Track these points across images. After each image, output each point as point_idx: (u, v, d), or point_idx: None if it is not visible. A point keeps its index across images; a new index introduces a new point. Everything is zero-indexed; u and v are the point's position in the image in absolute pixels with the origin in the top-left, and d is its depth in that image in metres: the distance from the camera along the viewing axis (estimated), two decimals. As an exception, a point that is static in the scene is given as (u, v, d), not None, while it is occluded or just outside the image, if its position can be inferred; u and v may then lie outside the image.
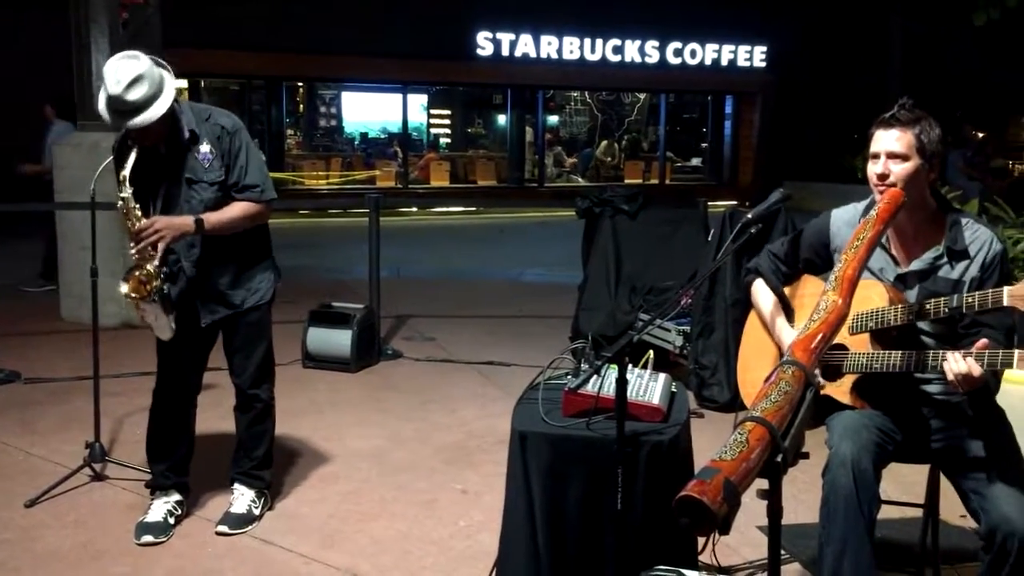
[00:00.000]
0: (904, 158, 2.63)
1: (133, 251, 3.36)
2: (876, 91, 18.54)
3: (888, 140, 2.66)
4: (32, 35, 14.19)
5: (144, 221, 3.34)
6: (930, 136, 2.64)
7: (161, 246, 3.33)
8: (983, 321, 2.63)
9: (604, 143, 23.62)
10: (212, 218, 3.44)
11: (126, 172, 3.34)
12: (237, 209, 3.51)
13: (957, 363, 2.43)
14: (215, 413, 4.84)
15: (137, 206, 3.37)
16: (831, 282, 2.31)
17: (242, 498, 3.77)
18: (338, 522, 3.81)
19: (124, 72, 3.21)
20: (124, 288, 3.35)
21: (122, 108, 3.24)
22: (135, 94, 3.22)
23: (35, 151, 8.91)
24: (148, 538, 3.56)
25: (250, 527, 3.69)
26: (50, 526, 3.71)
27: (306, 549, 3.55)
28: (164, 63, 3.39)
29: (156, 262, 3.36)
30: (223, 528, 3.66)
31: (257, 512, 3.77)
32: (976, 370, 2.40)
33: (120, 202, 3.36)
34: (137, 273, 3.36)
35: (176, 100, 3.41)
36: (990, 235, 2.71)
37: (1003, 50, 18.99)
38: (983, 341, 2.45)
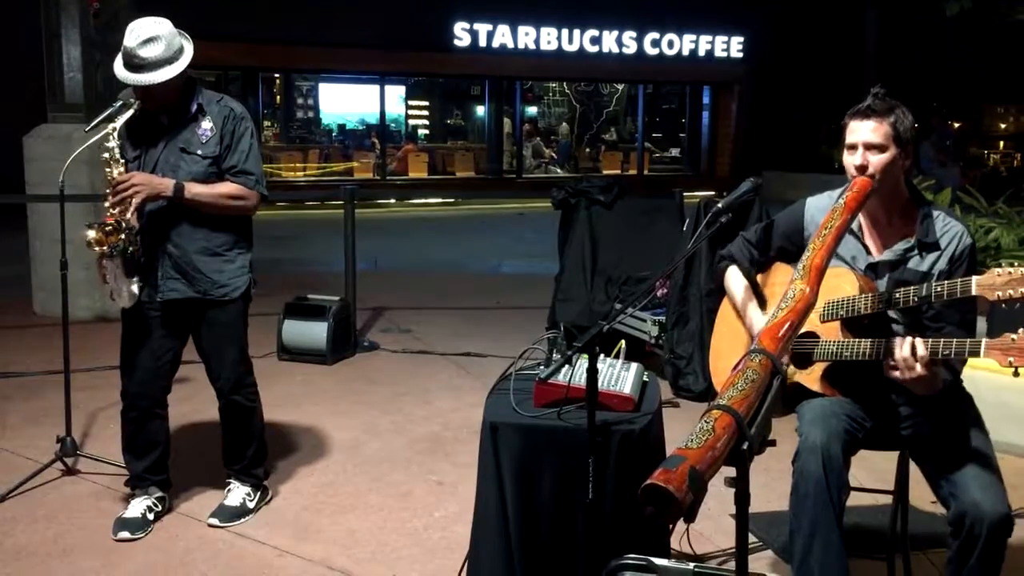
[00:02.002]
0: (882, 148, 2.65)
1: (108, 203, 3.35)
2: (852, 81, 18.63)
3: (865, 131, 2.67)
4: (2, 26, 14.01)
5: (123, 174, 3.35)
6: (904, 124, 2.67)
7: (136, 200, 3.32)
8: (944, 315, 2.66)
9: (564, 127, 23.53)
10: (195, 188, 3.42)
11: (117, 124, 3.37)
12: (225, 188, 3.49)
13: (901, 348, 2.46)
14: (190, 407, 4.84)
15: (122, 160, 3.38)
16: (799, 270, 2.32)
17: (236, 491, 3.76)
18: (313, 514, 3.80)
19: (143, 30, 3.32)
20: (90, 234, 3.32)
21: (132, 62, 3.31)
22: (148, 51, 3.30)
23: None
24: (125, 534, 3.53)
25: (243, 520, 3.68)
26: (21, 521, 3.68)
27: (280, 541, 3.53)
28: (187, 36, 3.46)
29: (128, 216, 3.35)
30: (214, 521, 3.65)
31: (251, 505, 3.75)
32: (920, 350, 2.43)
33: (106, 153, 3.36)
34: (107, 224, 3.34)
35: (196, 81, 3.51)
36: (961, 229, 2.73)
37: (977, 39, 19.13)
38: None
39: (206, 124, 3.49)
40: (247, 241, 3.69)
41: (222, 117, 3.51)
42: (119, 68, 3.37)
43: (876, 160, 2.65)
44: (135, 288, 3.43)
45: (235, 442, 3.80)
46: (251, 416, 3.78)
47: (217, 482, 3.87)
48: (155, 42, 3.31)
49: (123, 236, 3.35)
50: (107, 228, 3.33)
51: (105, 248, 3.33)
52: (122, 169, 3.38)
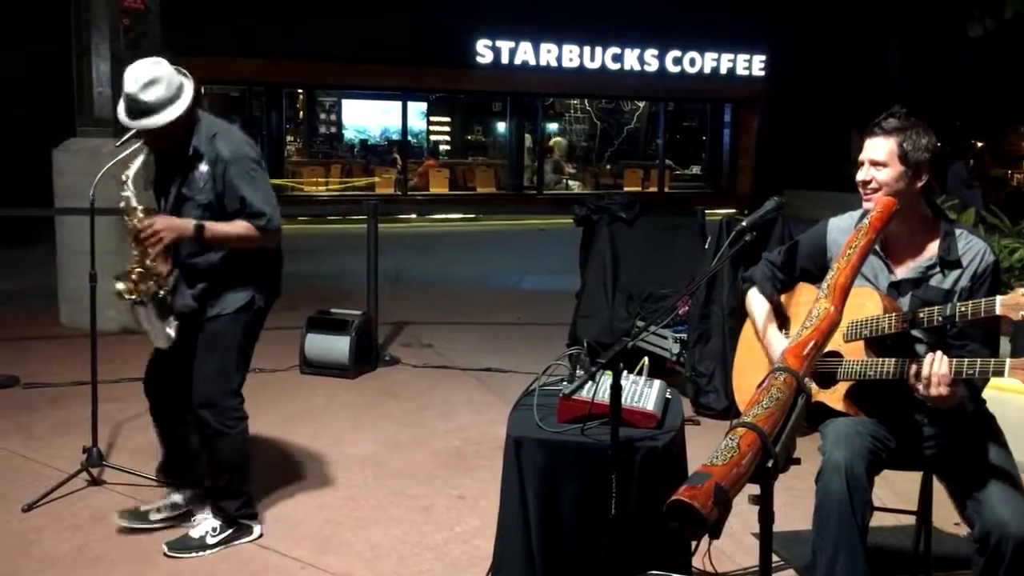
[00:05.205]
0: (884, 165, 2.68)
1: (135, 252, 3.39)
2: (874, 100, 18.58)
3: (870, 148, 2.72)
4: (33, 42, 14.22)
5: (144, 221, 3.36)
6: (916, 144, 2.67)
7: (159, 247, 3.34)
8: (969, 333, 2.66)
9: (558, 140, 23.37)
10: (214, 227, 3.40)
11: (130, 173, 3.39)
12: (240, 227, 3.43)
13: (928, 365, 2.47)
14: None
15: (139, 208, 3.39)
16: (823, 290, 2.33)
17: (204, 523, 3.62)
18: (335, 527, 3.82)
19: (143, 73, 3.30)
20: (119, 286, 3.37)
21: (135, 107, 3.30)
22: (149, 95, 3.28)
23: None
24: (123, 523, 3.66)
25: (193, 555, 3.50)
26: (47, 530, 3.72)
27: (302, 554, 3.55)
28: (186, 73, 3.43)
29: (161, 267, 3.39)
30: (164, 548, 3.52)
31: (212, 542, 3.54)
32: (943, 368, 2.43)
33: (122, 203, 3.39)
34: (134, 273, 3.38)
35: (198, 113, 3.46)
36: (984, 246, 2.74)
37: (1001, 60, 19.05)
38: None
39: (203, 167, 3.44)
40: (258, 262, 3.59)
41: (211, 160, 3.43)
42: (122, 115, 3.35)
43: (880, 176, 2.68)
44: (171, 330, 3.46)
45: (208, 465, 3.64)
46: (221, 441, 3.54)
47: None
48: (156, 84, 3.29)
49: (152, 282, 3.38)
50: (134, 277, 3.37)
51: (135, 297, 3.37)
52: (141, 216, 3.38)
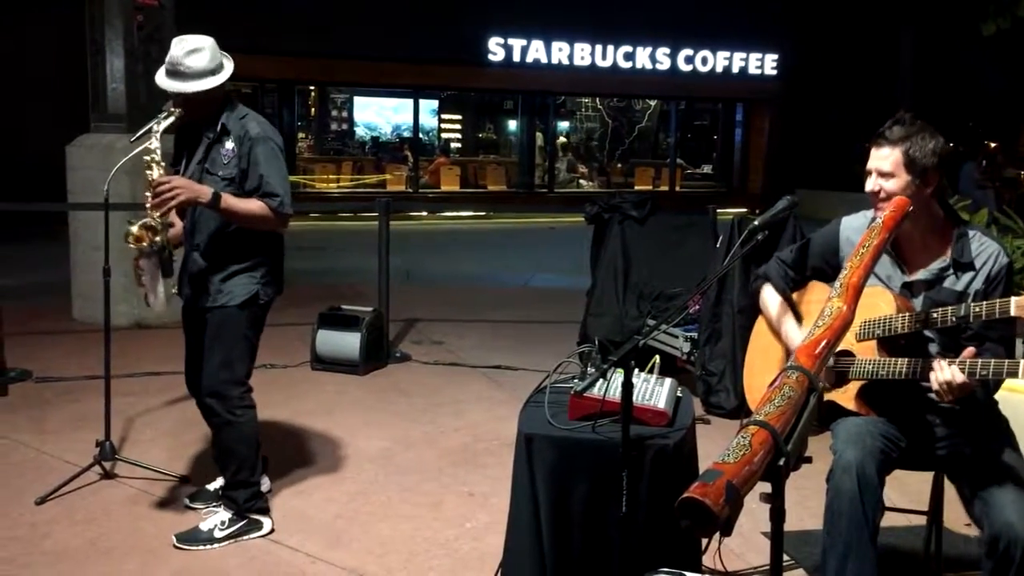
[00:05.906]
0: (892, 176, 2.67)
1: (149, 203, 3.42)
2: (886, 99, 18.51)
3: (877, 158, 2.71)
4: (47, 38, 14.29)
5: (164, 176, 3.43)
6: (922, 149, 2.66)
7: (173, 203, 3.37)
8: (986, 333, 2.66)
9: (561, 142, 23.26)
10: (230, 199, 3.45)
11: (159, 128, 3.49)
12: (255, 205, 3.51)
13: (942, 371, 2.46)
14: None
15: (162, 163, 3.47)
16: (836, 289, 2.33)
17: (215, 516, 3.67)
18: (345, 522, 3.83)
19: (190, 42, 3.47)
20: (132, 229, 3.42)
21: (175, 71, 3.43)
22: (192, 61, 3.43)
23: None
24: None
25: (201, 547, 3.54)
26: (60, 523, 3.74)
27: (313, 549, 3.57)
28: (228, 56, 3.59)
29: (169, 218, 3.46)
30: (173, 539, 3.58)
31: (219, 535, 3.58)
32: (958, 377, 2.43)
33: (147, 155, 3.46)
34: (147, 221, 3.43)
35: (231, 95, 3.61)
36: (997, 248, 2.73)
37: (1015, 59, 18.95)
38: (970, 350, 2.48)
39: (229, 144, 3.54)
40: (265, 254, 3.65)
41: (238, 138, 3.53)
42: (161, 76, 3.48)
43: (888, 186, 2.68)
44: (171, 290, 3.52)
45: (217, 455, 3.75)
46: (229, 430, 3.62)
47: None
48: (200, 53, 3.44)
49: (159, 237, 3.44)
50: (147, 224, 3.43)
51: (144, 245, 3.42)
52: (162, 171, 3.46)
